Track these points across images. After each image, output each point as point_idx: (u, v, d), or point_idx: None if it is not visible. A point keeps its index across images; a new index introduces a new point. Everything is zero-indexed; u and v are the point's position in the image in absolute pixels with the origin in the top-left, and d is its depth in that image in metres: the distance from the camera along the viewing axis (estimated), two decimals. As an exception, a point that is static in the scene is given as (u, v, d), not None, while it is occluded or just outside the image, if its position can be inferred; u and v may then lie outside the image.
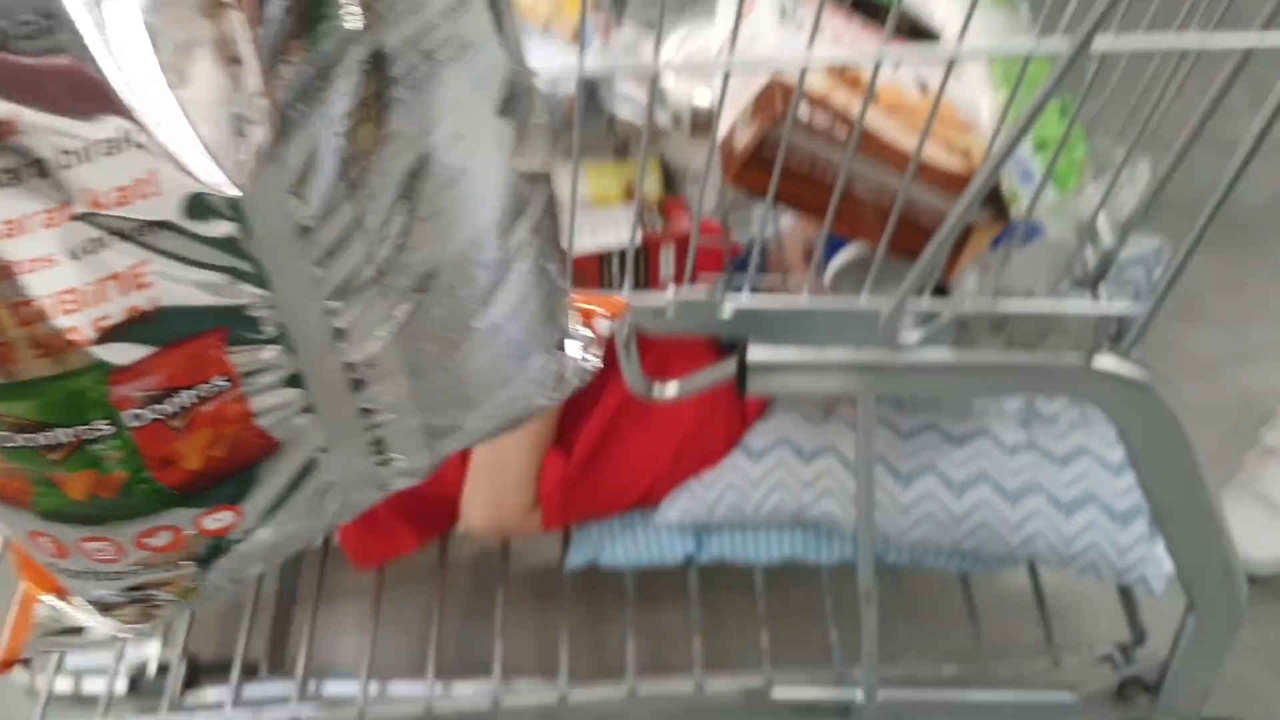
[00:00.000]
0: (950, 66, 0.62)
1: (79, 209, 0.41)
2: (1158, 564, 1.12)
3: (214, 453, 0.49)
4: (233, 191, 0.42)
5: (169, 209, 0.42)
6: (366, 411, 0.53)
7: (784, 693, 1.20)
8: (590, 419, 1.20)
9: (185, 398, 0.47)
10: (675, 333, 0.77)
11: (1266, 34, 0.58)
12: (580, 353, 0.62)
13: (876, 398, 0.97)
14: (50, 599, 0.59)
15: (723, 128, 0.70)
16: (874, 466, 0.90)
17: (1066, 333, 0.75)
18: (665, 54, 0.76)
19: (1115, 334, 0.76)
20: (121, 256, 0.42)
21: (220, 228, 0.43)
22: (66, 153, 0.40)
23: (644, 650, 1.35)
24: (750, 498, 1.18)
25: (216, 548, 0.54)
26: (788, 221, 1.17)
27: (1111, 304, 0.74)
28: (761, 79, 0.69)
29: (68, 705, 1.29)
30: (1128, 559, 1.11)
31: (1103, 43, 0.58)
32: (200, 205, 0.42)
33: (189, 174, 0.41)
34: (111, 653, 1.26)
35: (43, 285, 0.42)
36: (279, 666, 1.36)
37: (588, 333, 0.63)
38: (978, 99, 0.75)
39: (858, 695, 1.17)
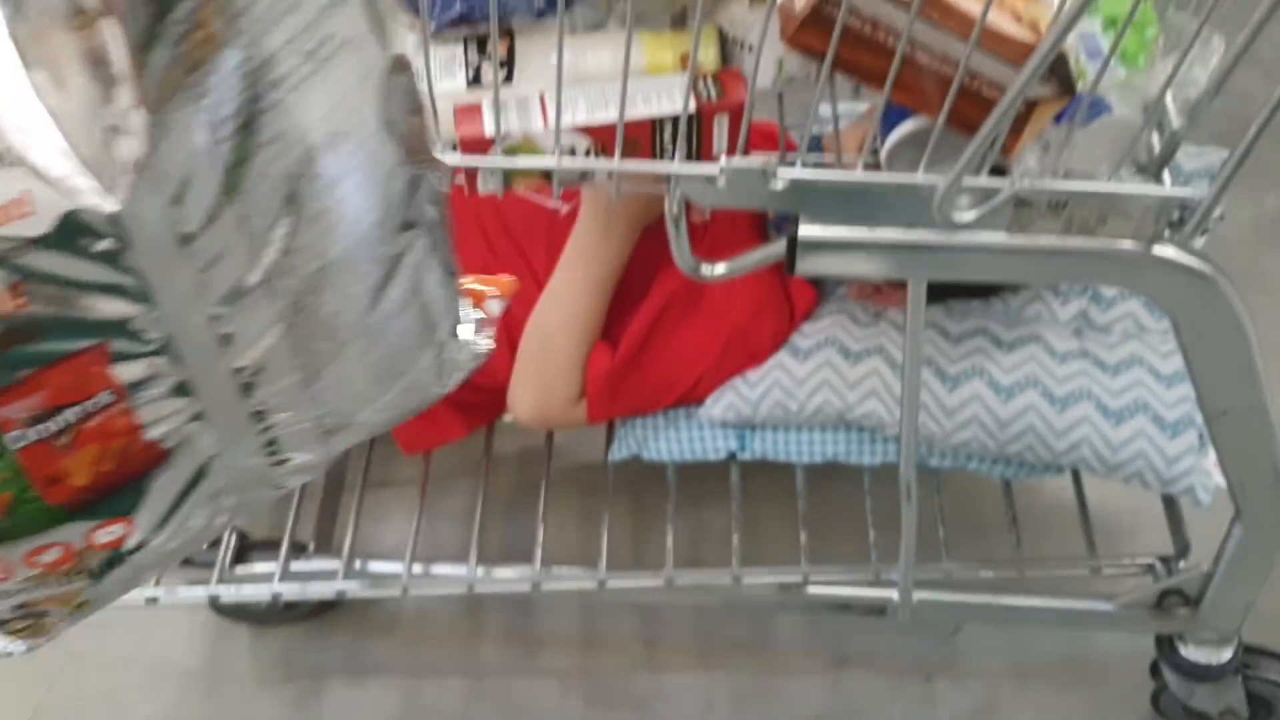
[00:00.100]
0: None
1: None
2: (1206, 476, 1.11)
3: (102, 467, 0.49)
4: (109, 206, 0.41)
5: (45, 227, 0.41)
6: (258, 414, 0.52)
7: (820, 589, 1.21)
8: (639, 312, 1.20)
9: (69, 415, 0.46)
10: (726, 206, 0.76)
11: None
12: (473, 336, 0.62)
13: (929, 291, 0.96)
14: None
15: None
16: (921, 360, 0.90)
17: (1127, 219, 0.74)
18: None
19: (1177, 221, 0.74)
20: None
21: (99, 243, 0.42)
22: None
23: (683, 544, 1.36)
24: (795, 396, 1.18)
25: (110, 560, 0.53)
26: (847, 114, 1.16)
27: (1175, 188, 0.72)
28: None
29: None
30: (1175, 469, 1.10)
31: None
32: (76, 222, 0.41)
33: (63, 190, 0.40)
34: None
35: None
36: (326, 547, 1.39)
37: (480, 314, 0.63)
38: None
39: (893, 595, 1.18)
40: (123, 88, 0.40)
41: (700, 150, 0.76)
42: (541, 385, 1.20)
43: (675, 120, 0.74)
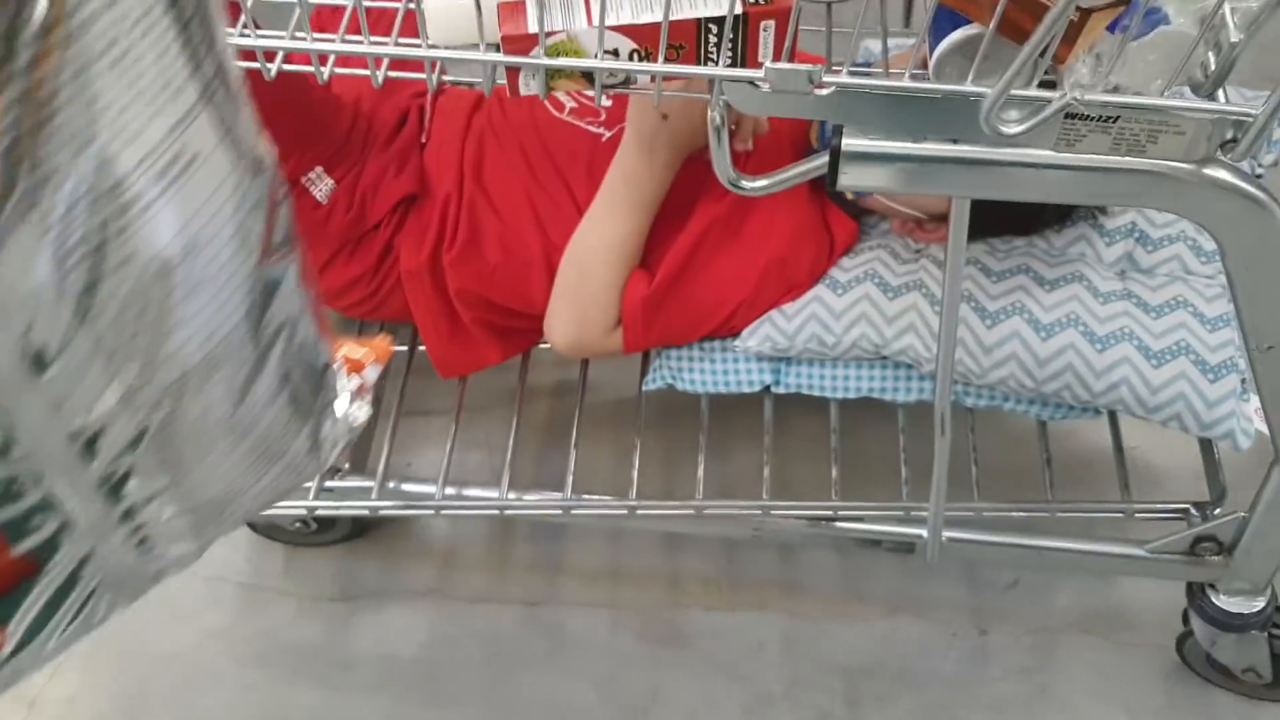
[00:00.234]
0: None
1: None
2: (1247, 421, 1.10)
3: None
4: None
5: None
6: (127, 515, 0.53)
7: (849, 524, 1.21)
8: (677, 241, 1.19)
9: None
10: (769, 113, 0.76)
11: None
12: (349, 408, 0.62)
13: (971, 228, 0.95)
14: None
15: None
16: (960, 285, 0.89)
17: (1179, 136, 0.72)
18: None
19: (1231, 141, 0.73)
20: None
21: None
22: None
23: (714, 477, 1.37)
24: (832, 329, 1.17)
25: None
26: (896, 48, 1.14)
27: (1230, 105, 0.70)
28: None
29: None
30: (1215, 413, 1.09)
31: None
32: None
33: None
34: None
35: None
36: (361, 470, 1.41)
37: (357, 381, 0.63)
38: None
39: (923, 533, 1.18)
40: None
41: (745, 58, 0.75)
42: (578, 311, 1.20)
43: (721, 23, 0.73)
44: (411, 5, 0.74)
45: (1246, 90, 1.14)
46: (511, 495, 1.26)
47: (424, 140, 1.28)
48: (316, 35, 0.78)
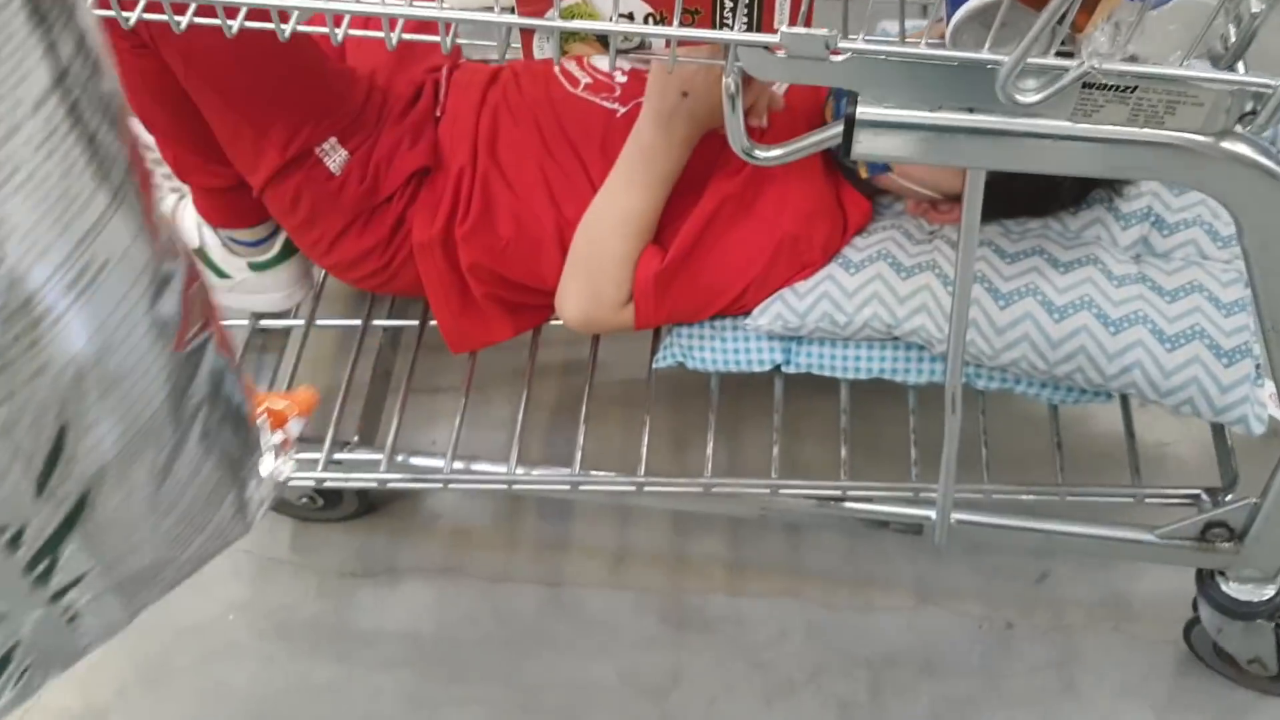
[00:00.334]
0: None
1: None
2: (1260, 406, 1.09)
3: None
4: None
5: None
6: (57, 597, 0.53)
7: (858, 504, 1.21)
8: (690, 217, 1.19)
9: None
10: (785, 79, 0.75)
11: None
12: (274, 465, 0.63)
13: (985, 210, 0.94)
14: None
15: None
16: (974, 259, 0.88)
17: (1197, 108, 0.72)
18: None
19: (1250, 113, 0.72)
20: None
21: None
22: None
23: (723, 456, 1.36)
24: (844, 309, 1.17)
25: None
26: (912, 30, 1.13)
27: (1250, 75, 0.70)
28: None
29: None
30: (1228, 397, 1.08)
31: None
32: None
33: None
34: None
35: None
36: (369, 445, 1.41)
37: (280, 436, 0.63)
38: None
39: (931, 514, 1.17)
40: None
41: (761, 24, 0.75)
42: (591, 286, 1.20)
43: (738, -13, 0.73)
44: (427, -34, 0.74)
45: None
46: (520, 470, 1.26)
47: (439, 114, 1.28)
48: (332, -5, 0.78)
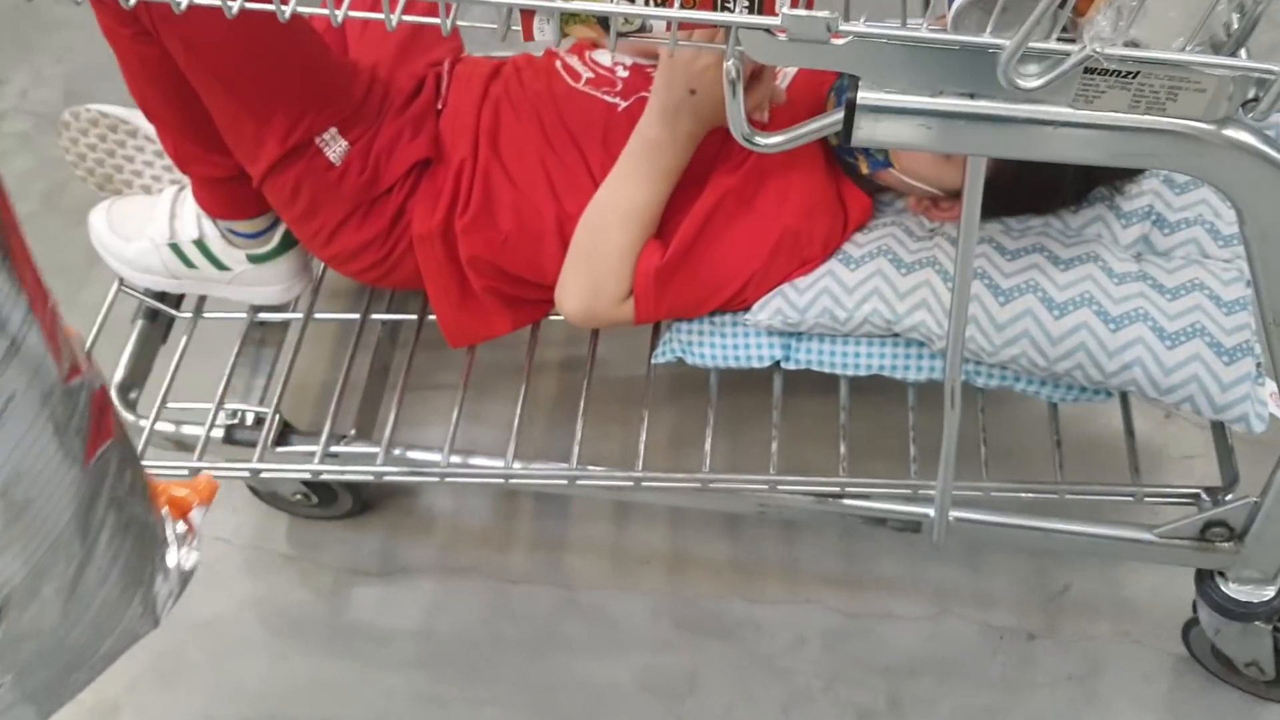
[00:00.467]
0: None
1: None
2: (1261, 405, 1.08)
3: None
4: None
5: None
6: None
7: (856, 501, 1.20)
8: (691, 211, 1.19)
9: None
10: (786, 63, 0.75)
11: None
12: (178, 556, 0.64)
13: (986, 208, 0.93)
14: None
15: None
16: (974, 250, 0.88)
17: (1200, 93, 0.72)
18: None
19: (1252, 100, 0.72)
20: None
21: None
22: None
23: (722, 454, 1.36)
24: (844, 304, 1.17)
25: None
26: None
27: (1252, 61, 0.70)
28: None
29: (168, 445, 1.35)
30: (1229, 396, 1.08)
31: None
32: None
33: None
34: (211, 404, 1.31)
35: None
36: (367, 439, 1.40)
37: (183, 526, 0.64)
38: None
39: (930, 512, 1.17)
40: None
41: (762, 7, 0.75)
42: (591, 280, 1.20)
43: (739, -28, 0.72)
44: (428, -55, 0.74)
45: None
46: (517, 465, 1.26)
47: (440, 107, 1.28)
48: (332, -25, 0.78)
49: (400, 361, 1.40)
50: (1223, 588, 1.16)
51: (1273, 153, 0.74)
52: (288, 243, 1.35)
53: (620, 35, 0.77)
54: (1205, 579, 1.17)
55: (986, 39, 0.71)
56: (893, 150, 1.14)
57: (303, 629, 1.41)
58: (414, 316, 1.39)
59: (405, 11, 0.79)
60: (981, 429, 1.23)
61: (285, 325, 1.44)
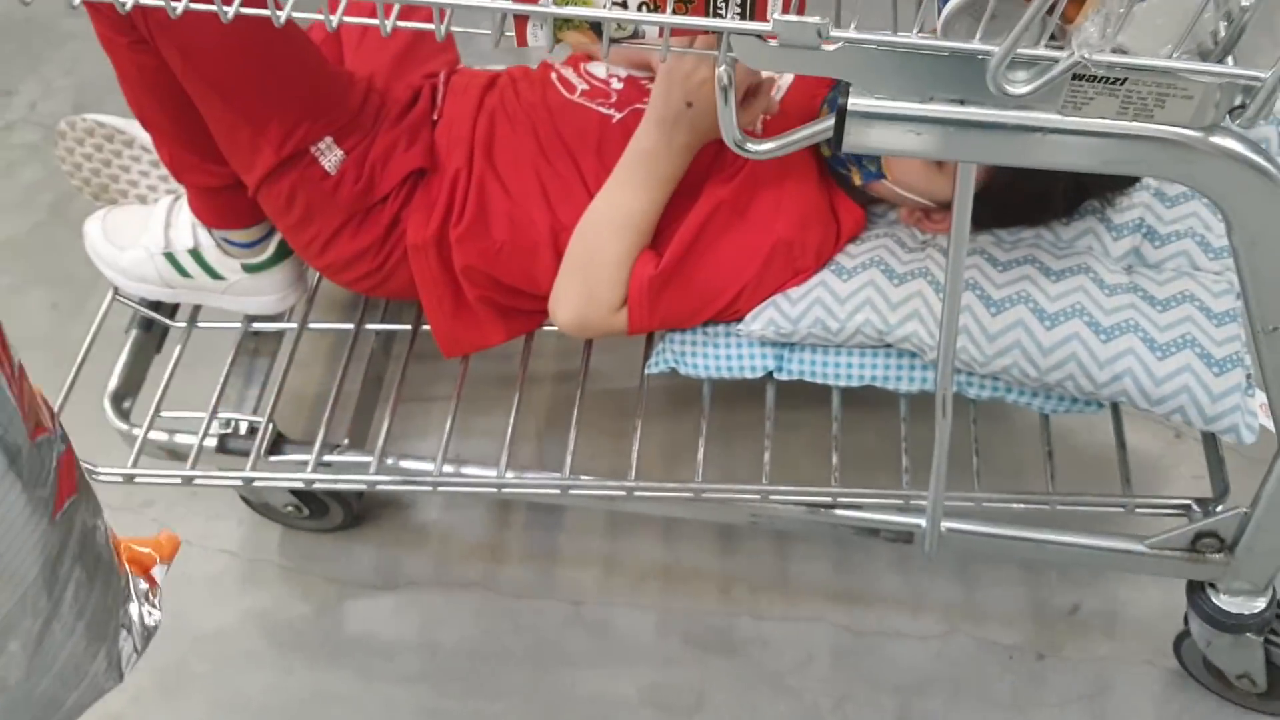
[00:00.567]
0: None
1: None
2: (1251, 415, 1.09)
3: None
4: None
5: None
6: None
7: (848, 511, 1.20)
8: (685, 222, 1.19)
9: None
10: (777, 69, 0.76)
11: None
12: (141, 611, 0.64)
13: (978, 219, 0.94)
14: None
15: None
16: (964, 258, 0.88)
17: (1187, 100, 0.72)
18: None
19: (1239, 107, 0.72)
20: None
21: None
22: None
23: (715, 466, 1.35)
24: (836, 315, 1.17)
25: None
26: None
27: (1239, 69, 0.70)
28: None
29: (161, 454, 1.35)
30: (1219, 407, 1.08)
31: None
32: None
33: None
34: (205, 413, 1.31)
35: None
36: (360, 448, 1.40)
37: (144, 584, 0.64)
38: None
39: (922, 522, 1.17)
40: None
41: (754, 14, 0.75)
42: (585, 288, 1.20)
43: (731, -22, 0.73)
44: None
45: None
46: (510, 474, 1.26)
47: (436, 118, 1.29)
48: (327, -19, 0.78)
49: (394, 373, 1.40)
50: (1214, 599, 1.16)
51: (1259, 160, 0.75)
52: (282, 253, 1.35)
53: (613, 41, 0.78)
54: (1196, 590, 1.17)
55: (976, 45, 0.71)
56: (885, 162, 1.15)
57: (306, 642, 1.40)
58: (408, 327, 1.40)
59: (400, 18, 0.80)
60: (974, 440, 1.23)
61: (279, 335, 1.44)
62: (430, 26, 0.79)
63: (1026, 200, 1.14)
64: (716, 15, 0.75)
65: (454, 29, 0.80)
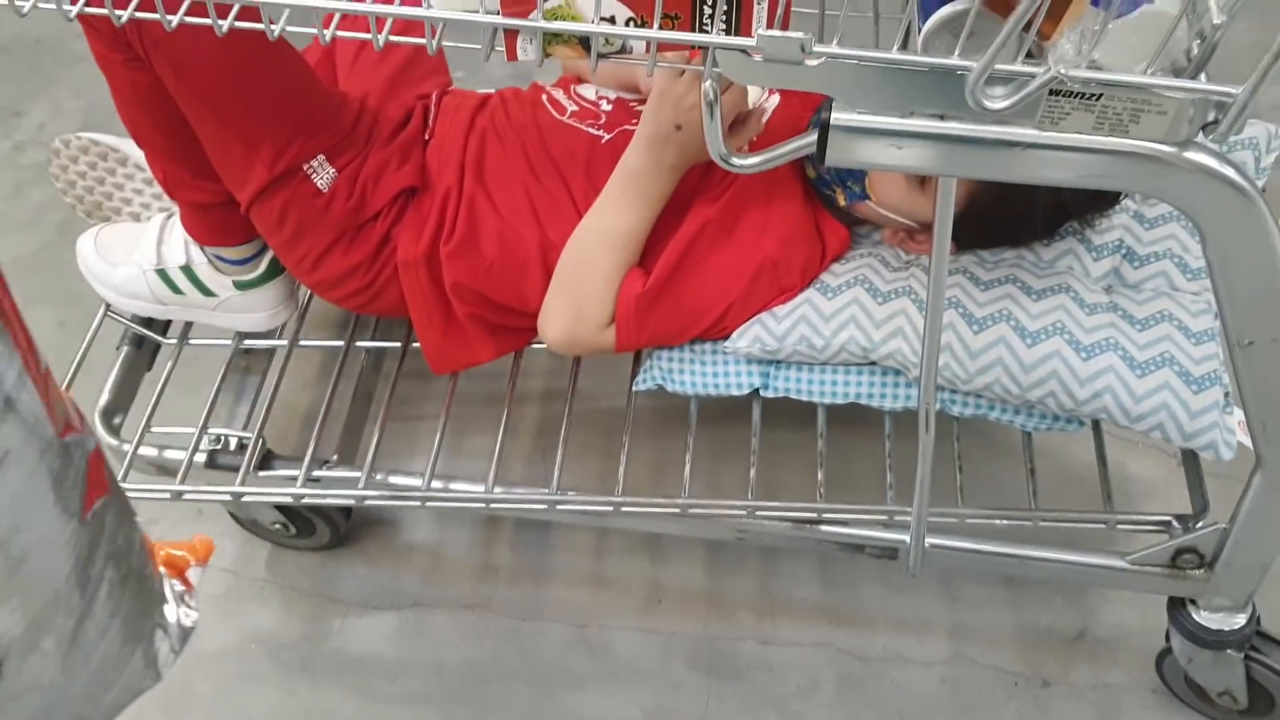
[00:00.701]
0: None
1: None
2: (1229, 433, 1.10)
3: None
4: None
5: None
6: None
7: (833, 527, 1.21)
8: (672, 240, 1.21)
9: None
10: (761, 83, 0.77)
11: None
12: (177, 613, 0.65)
13: (961, 240, 0.96)
14: None
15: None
16: (946, 272, 0.90)
17: (1161, 116, 0.74)
18: None
19: (1212, 123, 0.74)
20: None
21: None
22: None
23: (700, 481, 1.36)
24: (821, 332, 1.18)
25: None
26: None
27: (1212, 85, 0.72)
28: None
29: (150, 469, 1.36)
30: (1198, 424, 1.09)
31: None
32: None
33: None
34: (195, 429, 1.32)
35: None
36: (349, 464, 1.41)
37: (179, 585, 0.65)
38: None
39: (906, 538, 1.18)
40: None
41: (739, 31, 0.77)
42: (574, 306, 1.21)
43: (716, -5, 0.75)
44: (416, -33, 0.76)
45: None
46: (498, 490, 1.26)
47: (427, 137, 1.30)
48: (322, -4, 0.80)
49: (384, 390, 1.41)
50: (1195, 615, 1.17)
51: (1232, 174, 0.77)
52: (274, 270, 1.36)
53: (601, 56, 0.79)
54: (1177, 607, 1.18)
55: (955, 61, 0.73)
56: (869, 183, 1.17)
57: (309, 662, 1.40)
58: (398, 345, 1.41)
59: (392, 32, 0.81)
60: (957, 457, 1.25)
61: (270, 352, 1.45)
62: (422, 41, 0.81)
63: (1007, 222, 1.16)
64: (703, 30, 0.77)
65: (446, 44, 0.82)
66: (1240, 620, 1.16)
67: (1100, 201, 1.16)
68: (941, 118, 0.78)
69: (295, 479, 1.29)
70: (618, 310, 1.21)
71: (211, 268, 1.35)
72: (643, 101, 1.29)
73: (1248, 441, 1.07)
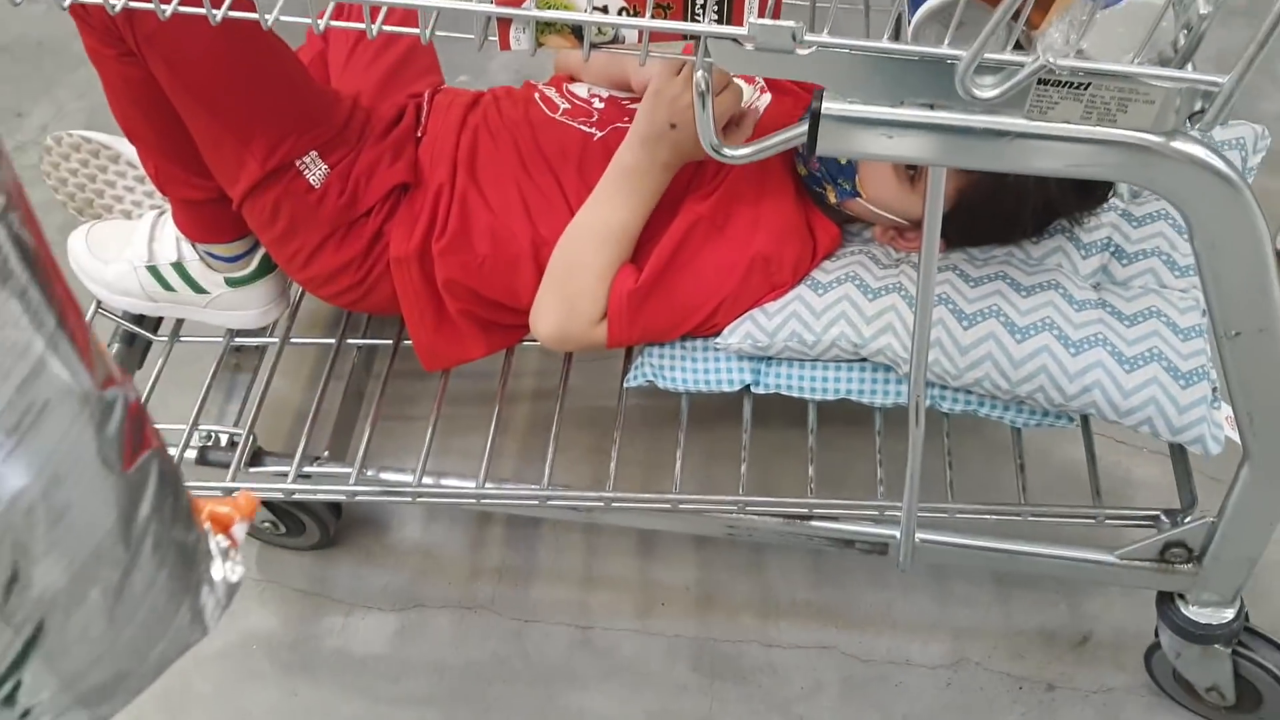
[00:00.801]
0: None
1: None
2: (1217, 427, 1.11)
3: None
4: None
5: None
6: (24, 716, 0.56)
7: (824, 523, 1.22)
8: (664, 237, 1.21)
9: None
10: (753, 73, 0.78)
11: None
12: (223, 569, 0.65)
13: (950, 238, 0.97)
14: None
15: None
16: (935, 263, 0.91)
17: (1148, 105, 0.75)
18: None
19: (1199, 112, 0.75)
20: None
21: None
22: None
23: (691, 478, 1.36)
24: (812, 328, 1.19)
25: None
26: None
27: (1199, 74, 0.73)
28: None
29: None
30: (1186, 418, 1.10)
31: None
32: None
33: None
34: (185, 425, 1.32)
35: None
36: (340, 461, 1.41)
37: (225, 541, 0.66)
38: None
39: (896, 534, 1.18)
40: None
41: (731, 14, 0.78)
42: (566, 301, 1.22)
43: (708, -15, 0.75)
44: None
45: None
46: (489, 486, 1.27)
47: (420, 134, 1.31)
48: (316, -15, 0.80)
49: (374, 388, 1.41)
50: (1183, 610, 1.18)
51: (1218, 164, 0.77)
52: (265, 267, 1.36)
53: (593, 46, 0.80)
54: (1166, 602, 1.19)
55: (944, 50, 0.74)
56: (859, 180, 1.18)
57: (312, 663, 1.39)
58: (389, 342, 1.41)
59: (385, 22, 0.82)
60: (947, 453, 1.25)
61: (261, 350, 1.45)
62: (416, 31, 0.82)
63: (996, 219, 1.17)
64: (694, 20, 0.78)
65: (439, 34, 0.82)
66: (1228, 615, 1.17)
67: (1088, 199, 1.17)
68: (931, 107, 0.78)
69: (286, 475, 1.29)
70: (610, 306, 1.21)
71: (203, 265, 1.35)
72: (635, 99, 1.29)
73: (1235, 436, 1.08)
